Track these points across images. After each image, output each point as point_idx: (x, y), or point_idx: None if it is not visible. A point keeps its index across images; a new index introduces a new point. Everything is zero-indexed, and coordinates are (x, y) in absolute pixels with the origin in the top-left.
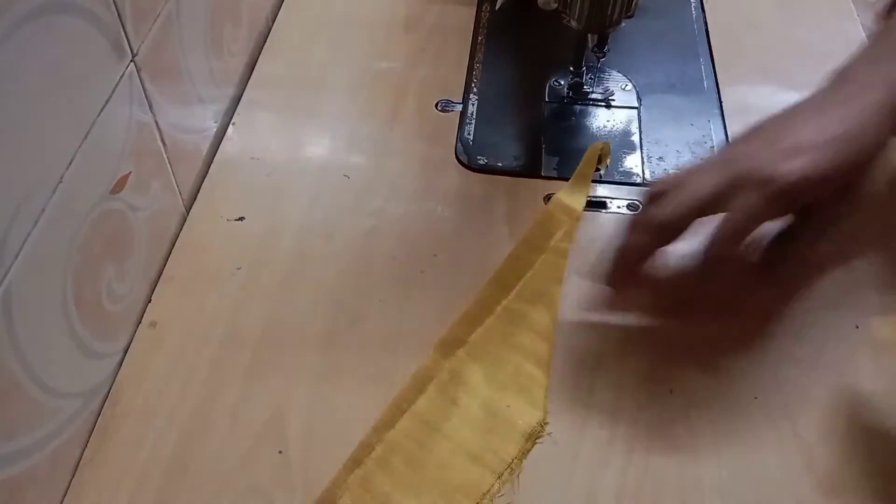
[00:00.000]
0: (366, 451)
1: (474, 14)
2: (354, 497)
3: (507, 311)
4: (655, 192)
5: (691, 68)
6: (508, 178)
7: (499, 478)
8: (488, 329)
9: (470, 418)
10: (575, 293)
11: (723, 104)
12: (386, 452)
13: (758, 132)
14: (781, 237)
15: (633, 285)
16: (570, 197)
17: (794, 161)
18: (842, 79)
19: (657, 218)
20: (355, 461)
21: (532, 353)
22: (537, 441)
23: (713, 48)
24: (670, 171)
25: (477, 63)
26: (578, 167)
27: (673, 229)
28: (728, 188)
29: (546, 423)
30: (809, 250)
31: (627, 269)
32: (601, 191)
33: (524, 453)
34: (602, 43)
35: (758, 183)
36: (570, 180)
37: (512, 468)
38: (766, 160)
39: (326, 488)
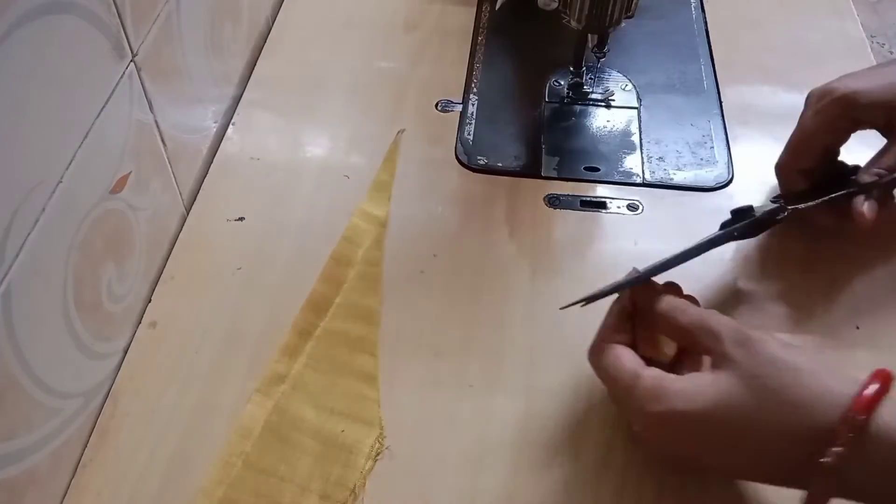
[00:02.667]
0: None
1: (474, 14)
2: None
3: (327, 333)
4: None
5: (691, 68)
6: (508, 178)
7: None
8: (309, 356)
9: (305, 454)
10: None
11: (723, 104)
12: None
13: None
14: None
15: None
16: (372, 205)
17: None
18: None
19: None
20: None
21: (359, 370)
22: (377, 458)
23: (713, 48)
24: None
25: (477, 63)
26: (377, 173)
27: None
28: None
29: (384, 438)
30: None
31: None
32: (601, 191)
33: (365, 474)
34: (602, 43)
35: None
36: (369, 188)
37: (355, 493)
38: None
39: None
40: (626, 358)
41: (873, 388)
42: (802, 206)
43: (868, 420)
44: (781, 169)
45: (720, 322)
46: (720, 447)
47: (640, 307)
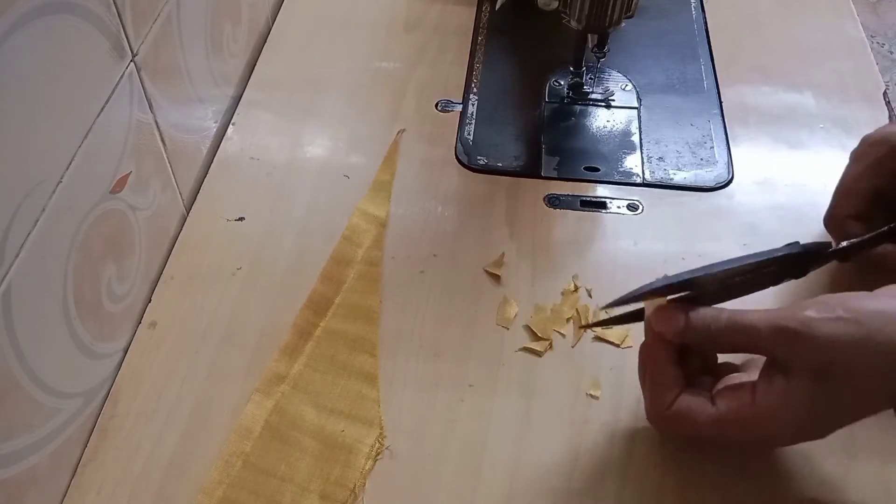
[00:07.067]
0: None
1: (474, 14)
2: None
3: (327, 333)
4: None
5: (691, 68)
6: (508, 178)
7: None
8: (310, 356)
9: (305, 454)
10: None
11: (723, 104)
12: None
13: None
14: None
15: None
16: (372, 205)
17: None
18: None
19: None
20: None
21: (359, 370)
22: (377, 458)
23: (713, 48)
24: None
25: (477, 63)
26: (377, 173)
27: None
28: None
29: (384, 438)
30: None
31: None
32: (601, 191)
33: (365, 474)
34: (602, 43)
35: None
36: (370, 188)
37: (355, 493)
38: None
39: None
40: (694, 414)
41: None
42: (852, 241)
43: None
44: (831, 219)
45: (759, 322)
46: (838, 420)
47: (663, 335)
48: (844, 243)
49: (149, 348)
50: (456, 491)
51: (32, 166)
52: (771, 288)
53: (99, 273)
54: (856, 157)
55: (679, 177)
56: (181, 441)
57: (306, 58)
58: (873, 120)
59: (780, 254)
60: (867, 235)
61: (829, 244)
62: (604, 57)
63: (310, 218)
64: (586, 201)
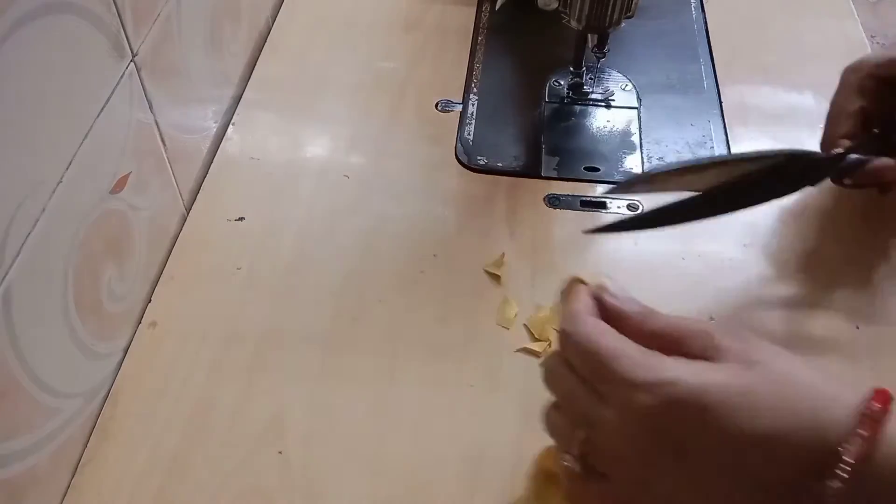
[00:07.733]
0: None
1: (474, 14)
2: None
3: None
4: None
5: (691, 68)
6: (508, 178)
7: None
8: None
9: None
10: None
11: (723, 104)
12: None
13: None
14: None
15: None
16: None
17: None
18: None
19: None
20: None
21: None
22: None
23: (713, 48)
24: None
25: (477, 63)
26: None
27: None
28: None
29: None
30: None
31: None
32: (601, 191)
33: None
34: (602, 43)
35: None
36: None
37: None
38: None
39: None
40: (603, 326)
41: (876, 404)
42: (845, 148)
43: (879, 428)
44: (825, 143)
45: (703, 322)
46: (715, 448)
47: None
48: (835, 151)
49: (149, 348)
50: (456, 491)
51: (32, 166)
52: None
53: (99, 273)
54: (840, 83)
55: None
56: (181, 441)
57: (306, 58)
58: None
59: (772, 155)
60: (856, 143)
61: (819, 153)
62: (604, 57)
63: (310, 218)
64: (586, 201)
